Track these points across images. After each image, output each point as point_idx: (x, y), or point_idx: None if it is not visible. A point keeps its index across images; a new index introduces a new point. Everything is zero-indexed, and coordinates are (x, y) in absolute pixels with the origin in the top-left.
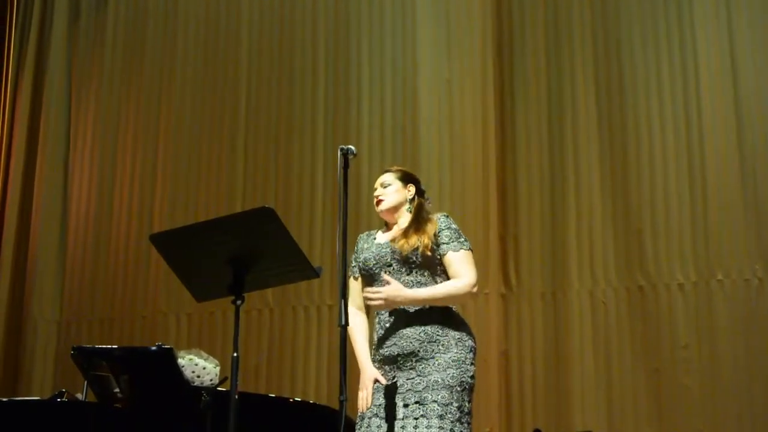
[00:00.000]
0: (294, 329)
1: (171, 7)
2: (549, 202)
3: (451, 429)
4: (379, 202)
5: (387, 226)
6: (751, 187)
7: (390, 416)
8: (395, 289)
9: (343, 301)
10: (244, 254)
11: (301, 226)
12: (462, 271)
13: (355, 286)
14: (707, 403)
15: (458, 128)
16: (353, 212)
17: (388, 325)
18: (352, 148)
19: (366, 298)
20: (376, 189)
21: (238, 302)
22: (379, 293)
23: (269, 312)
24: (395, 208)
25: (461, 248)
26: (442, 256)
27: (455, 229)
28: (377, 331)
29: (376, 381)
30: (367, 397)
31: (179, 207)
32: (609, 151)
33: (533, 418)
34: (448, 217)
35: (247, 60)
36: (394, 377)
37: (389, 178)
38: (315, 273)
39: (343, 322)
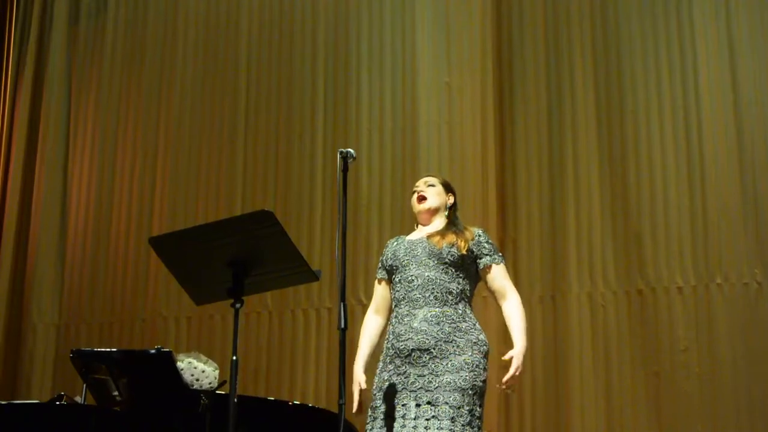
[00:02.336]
0: (293, 332)
1: (170, 9)
2: (548, 206)
3: None
4: (421, 198)
5: (416, 229)
6: (750, 191)
7: (402, 416)
8: (515, 353)
9: (342, 304)
10: (244, 257)
11: (300, 229)
12: (506, 285)
13: (377, 288)
14: (707, 406)
15: (458, 131)
16: (352, 215)
17: (406, 319)
18: (352, 151)
19: (510, 383)
20: (417, 186)
21: (238, 305)
22: (515, 369)
23: (268, 315)
24: (436, 210)
25: (501, 262)
26: (485, 266)
27: (493, 243)
28: (393, 325)
29: (385, 385)
30: (354, 399)
31: (179, 210)
32: (608, 154)
33: (532, 422)
34: (485, 231)
35: (247, 63)
36: (405, 372)
37: (433, 180)
38: (314, 276)
39: (342, 325)
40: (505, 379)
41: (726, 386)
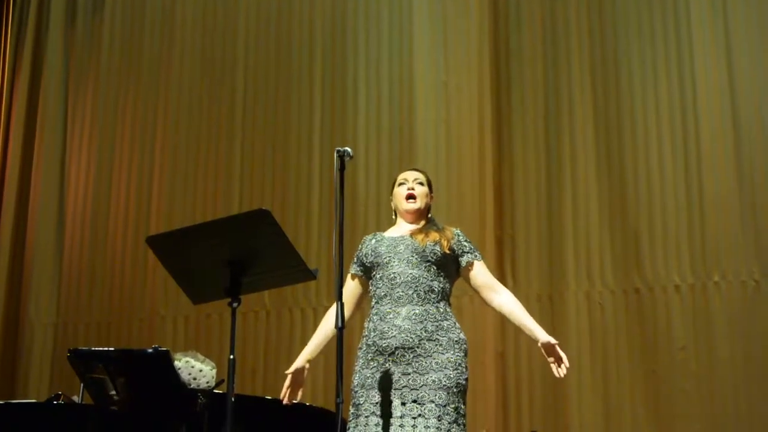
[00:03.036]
0: (290, 331)
1: (168, 8)
2: (546, 204)
3: (448, 430)
4: (411, 196)
5: (396, 224)
6: (747, 189)
7: (387, 414)
8: (555, 342)
9: (339, 303)
10: (241, 256)
11: (297, 228)
12: (492, 279)
13: (348, 282)
14: (704, 404)
15: (455, 130)
16: (349, 214)
17: (389, 316)
18: (349, 150)
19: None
20: (406, 180)
21: (235, 304)
22: (565, 356)
23: (266, 314)
24: (423, 211)
25: (481, 258)
26: (467, 263)
27: (471, 242)
28: (375, 322)
29: (367, 382)
30: (286, 386)
31: (176, 209)
32: (605, 152)
33: (530, 420)
34: (462, 231)
35: (244, 62)
36: (388, 370)
37: (422, 177)
38: (311, 275)
39: (340, 325)
40: (564, 371)
41: (724, 384)
